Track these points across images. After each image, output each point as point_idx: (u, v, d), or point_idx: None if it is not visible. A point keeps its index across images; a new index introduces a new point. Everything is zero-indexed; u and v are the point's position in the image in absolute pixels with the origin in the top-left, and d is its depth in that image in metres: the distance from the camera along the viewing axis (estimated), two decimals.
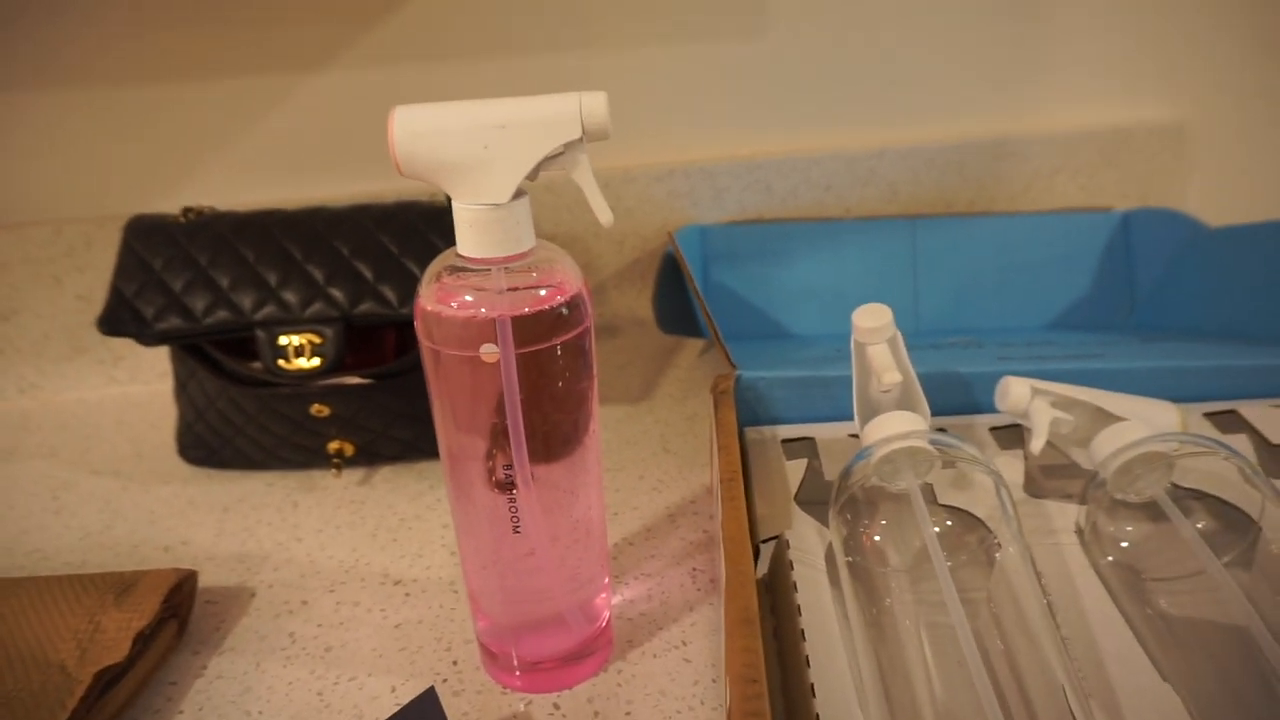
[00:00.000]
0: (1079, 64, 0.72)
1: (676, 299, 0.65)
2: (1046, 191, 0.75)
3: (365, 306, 0.51)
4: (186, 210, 0.54)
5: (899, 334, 0.39)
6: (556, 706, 0.38)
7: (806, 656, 0.31)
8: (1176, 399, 0.42)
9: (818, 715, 0.28)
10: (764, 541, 0.38)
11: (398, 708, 0.35)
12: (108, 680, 0.38)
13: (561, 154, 0.31)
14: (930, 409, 0.40)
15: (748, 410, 0.46)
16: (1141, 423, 0.37)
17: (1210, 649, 0.33)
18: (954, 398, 0.45)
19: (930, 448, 0.35)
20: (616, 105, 0.68)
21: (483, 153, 0.30)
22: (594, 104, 0.30)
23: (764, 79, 0.69)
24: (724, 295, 0.67)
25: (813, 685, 0.29)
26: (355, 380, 0.52)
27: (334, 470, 0.55)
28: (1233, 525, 0.35)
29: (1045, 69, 0.72)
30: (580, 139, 0.30)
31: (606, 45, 0.66)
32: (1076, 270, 0.68)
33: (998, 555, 0.35)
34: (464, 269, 0.32)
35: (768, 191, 0.71)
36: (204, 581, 0.47)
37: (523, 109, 0.30)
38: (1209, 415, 0.44)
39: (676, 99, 0.69)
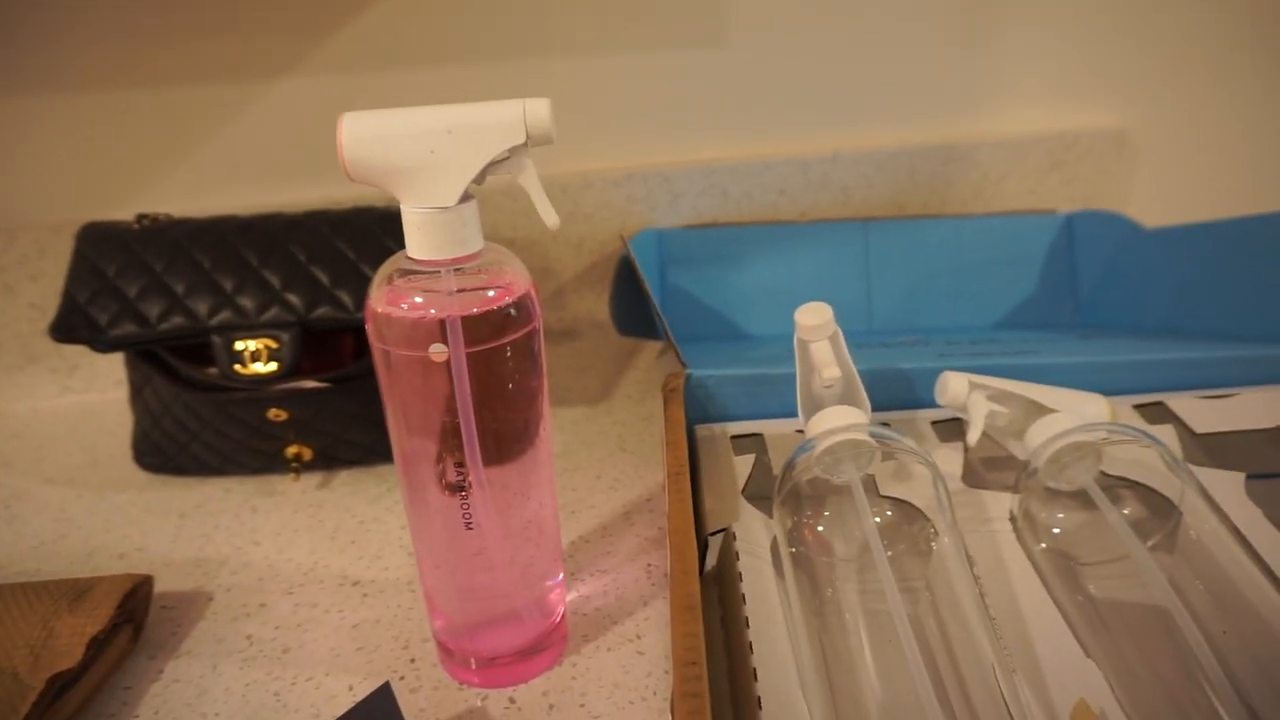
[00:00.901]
0: (1026, 71, 0.75)
1: (634, 302, 0.66)
2: (996, 196, 0.77)
3: (322, 311, 0.51)
4: (140, 217, 0.54)
5: (840, 331, 0.41)
6: (512, 700, 0.38)
7: (750, 643, 0.32)
8: (1108, 393, 0.44)
9: (759, 698, 0.29)
10: (712, 534, 0.39)
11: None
12: (61, 686, 0.38)
13: (507, 159, 0.32)
14: (873, 404, 0.41)
15: (698, 408, 0.47)
16: (1072, 414, 0.39)
17: (1133, 630, 0.34)
18: (896, 393, 0.47)
19: (870, 440, 0.37)
20: (574, 111, 0.69)
21: (429, 157, 0.31)
22: (537, 110, 0.31)
23: (719, 86, 0.71)
24: (681, 298, 0.69)
25: (755, 670, 0.30)
26: (312, 384, 0.52)
27: (292, 475, 0.55)
28: (1156, 511, 0.37)
29: (993, 76, 0.74)
30: (524, 144, 0.31)
31: (564, 52, 0.67)
32: (1022, 271, 0.70)
33: (934, 544, 0.36)
34: (414, 271, 0.33)
35: (723, 196, 0.72)
36: (160, 587, 0.47)
37: (468, 115, 0.31)
38: (1137, 407, 0.46)
39: (633, 105, 0.70)
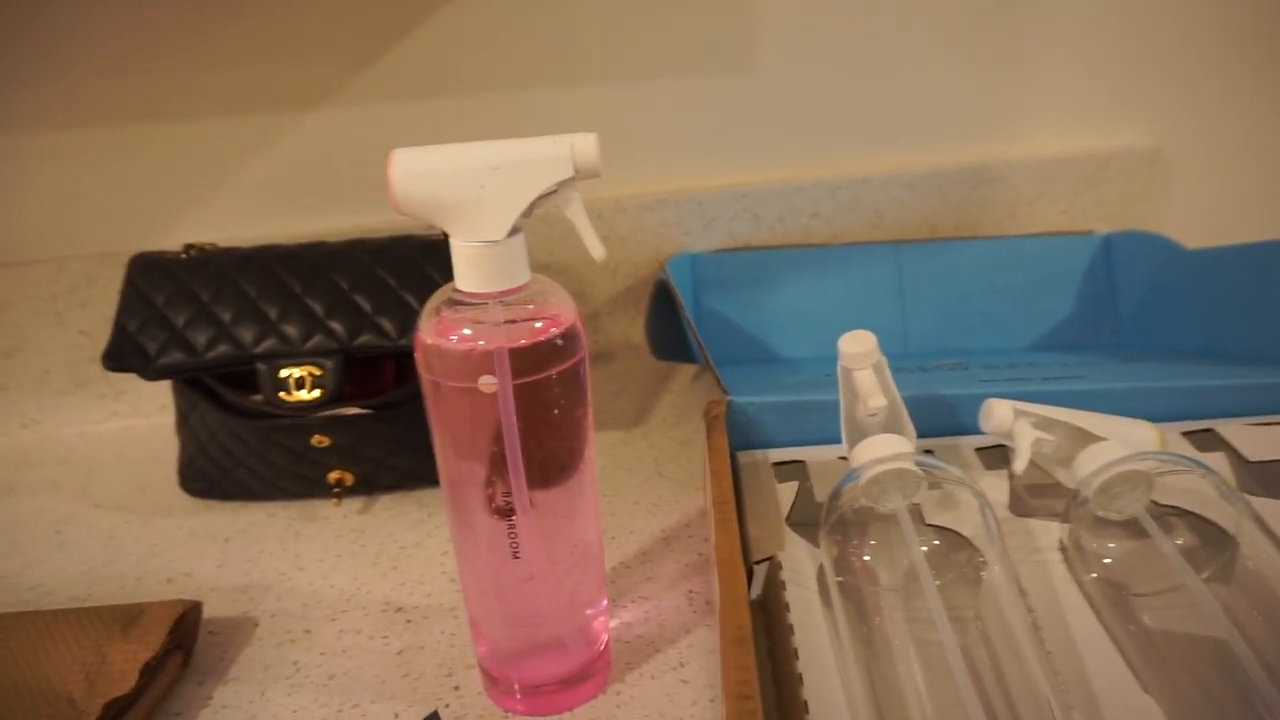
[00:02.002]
0: (1058, 92, 0.74)
1: (669, 326, 0.66)
2: (1028, 216, 0.77)
3: (364, 339, 0.52)
4: (188, 247, 0.55)
5: (884, 359, 0.41)
6: None
7: (800, 674, 0.31)
8: (1155, 418, 0.43)
9: None
10: (757, 563, 0.39)
11: None
12: (115, 712, 0.38)
13: (555, 192, 0.32)
14: (917, 431, 0.41)
15: (739, 434, 0.47)
16: (1120, 442, 0.39)
17: (1190, 662, 0.34)
18: (940, 420, 0.47)
19: (916, 469, 0.37)
20: (608, 138, 0.70)
21: (479, 192, 0.31)
22: (585, 145, 0.32)
23: (751, 111, 0.71)
24: (715, 321, 0.69)
25: (806, 702, 0.30)
26: (355, 411, 0.53)
27: (335, 500, 0.56)
28: (1211, 541, 0.36)
29: (1025, 96, 0.74)
30: (572, 178, 0.32)
31: (598, 80, 0.68)
32: (1060, 292, 0.70)
33: (984, 574, 0.36)
34: (462, 303, 0.33)
35: (755, 220, 0.73)
36: (208, 612, 0.47)
37: (517, 150, 0.32)
38: (1187, 434, 0.45)
39: (666, 131, 0.71)
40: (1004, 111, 0.74)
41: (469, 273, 0.33)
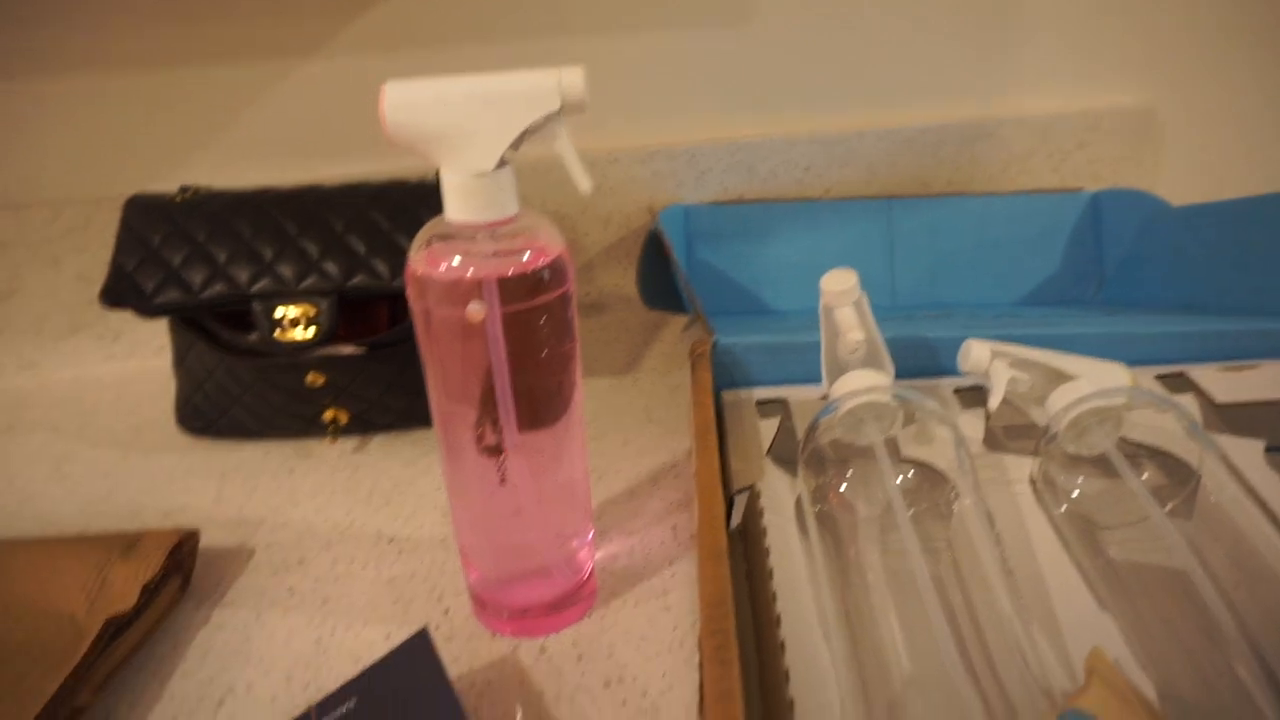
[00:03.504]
0: (1053, 49, 0.75)
1: (660, 276, 0.67)
2: (1021, 174, 0.77)
3: (358, 279, 0.53)
4: (183, 189, 0.55)
5: (865, 296, 0.42)
6: (543, 650, 0.40)
7: (774, 592, 0.33)
8: (1130, 363, 0.44)
9: (783, 642, 0.31)
10: (737, 493, 0.40)
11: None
12: (116, 629, 0.40)
13: (542, 126, 0.33)
14: (897, 372, 0.42)
15: (724, 374, 0.48)
16: (1093, 381, 0.40)
17: (1151, 591, 0.35)
18: (920, 361, 0.48)
19: (892, 401, 0.38)
20: (602, 90, 0.70)
21: (466, 124, 0.32)
22: (571, 78, 0.32)
23: (745, 63, 0.71)
24: (707, 273, 0.70)
25: (779, 616, 0.32)
26: (349, 350, 0.54)
27: (329, 438, 0.57)
28: (1175, 476, 0.37)
29: (1020, 54, 0.74)
30: (559, 111, 0.32)
31: (593, 31, 0.68)
32: (1047, 249, 0.70)
33: (955, 505, 0.37)
34: (452, 235, 0.34)
35: (749, 172, 0.73)
36: (204, 543, 0.49)
37: (505, 83, 0.32)
38: (1159, 377, 0.46)
39: (661, 83, 0.71)
40: (999, 69, 0.75)
41: (458, 203, 0.33)
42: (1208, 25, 0.75)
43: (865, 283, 0.43)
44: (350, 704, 0.35)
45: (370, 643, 0.41)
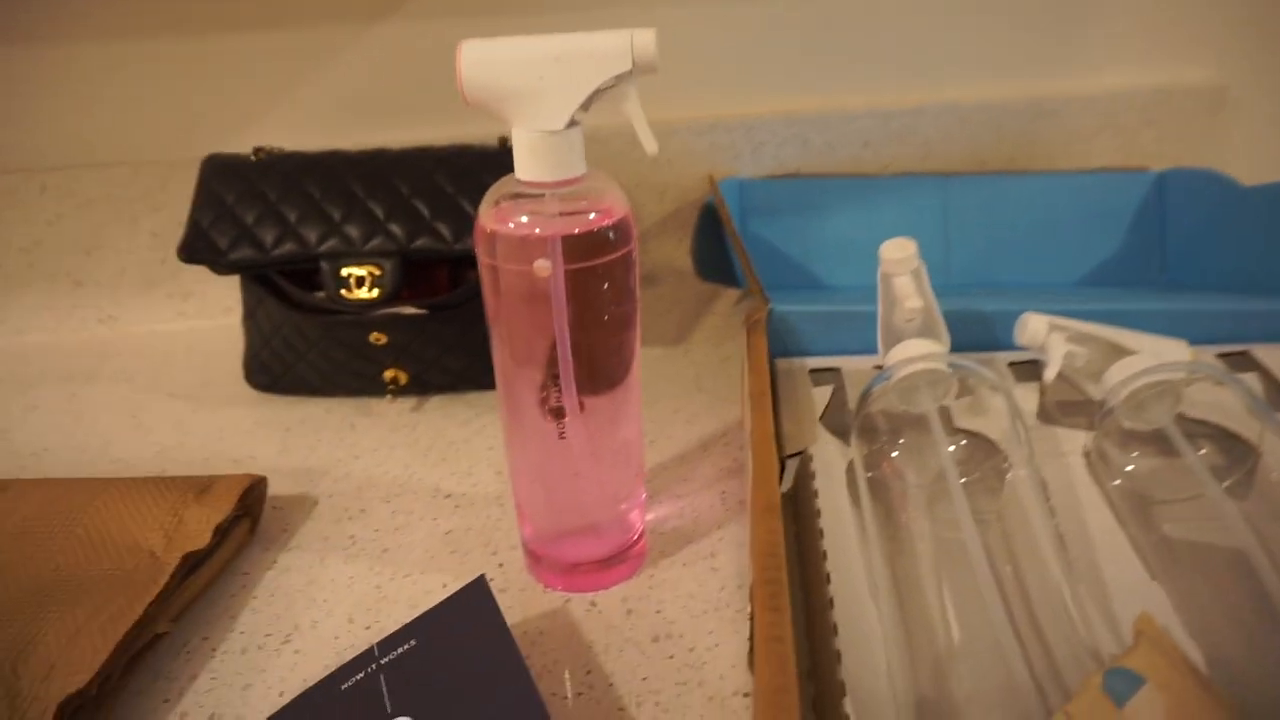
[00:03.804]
0: (1118, 24, 0.73)
1: (715, 248, 0.68)
2: (1085, 154, 0.76)
3: (422, 241, 0.54)
4: (258, 150, 0.57)
5: (923, 266, 0.42)
6: (593, 604, 0.41)
7: (824, 551, 0.34)
8: (1192, 342, 0.44)
9: (832, 599, 0.31)
10: (789, 457, 0.41)
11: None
12: (191, 565, 0.42)
13: (613, 86, 0.34)
14: (953, 345, 0.42)
15: (779, 342, 0.49)
16: (1152, 356, 0.39)
17: (1207, 567, 0.35)
18: (976, 335, 0.48)
19: (947, 369, 0.38)
20: (662, 60, 0.70)
21: (540, 83, 0.33)
22: (644, 39, 0.33)
23: (804, 36, 0.71)
24: (761, 247, 0.70)
25: (829, 574, 0.32)
26: (411, 310, 0.55)
27: (389, 397, 0.59)
28: (1234, 453, 0.37)
29: (1084, 29, 0.73)
30: (630, 72, 0.33)
31: (653, 2, 0.69)
32: (1109, 229, 0.69)
33: (1009, 476, 0.38)
34: (521, 194, 0.35)
35: (805, 146, 0.73)
36: (271, 492, 0.51)
37: (577, 43, 0.33)
38: (1222, 355, 0.46)
39: (718, 55, 0.71)
40: (1063, 45, 0.73)
41: (528, 161, 0.34)
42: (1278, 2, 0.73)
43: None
44: (410, 643, 0.37)
45: (428, 590, 0.43)
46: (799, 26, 0.71)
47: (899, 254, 0.41)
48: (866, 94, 0.73)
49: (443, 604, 0.38)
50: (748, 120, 0.72)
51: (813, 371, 0.47)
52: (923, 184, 0.70)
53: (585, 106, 0.34)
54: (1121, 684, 0.25)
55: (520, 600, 0.42)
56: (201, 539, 0.42)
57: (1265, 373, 0.44)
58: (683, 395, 0.59)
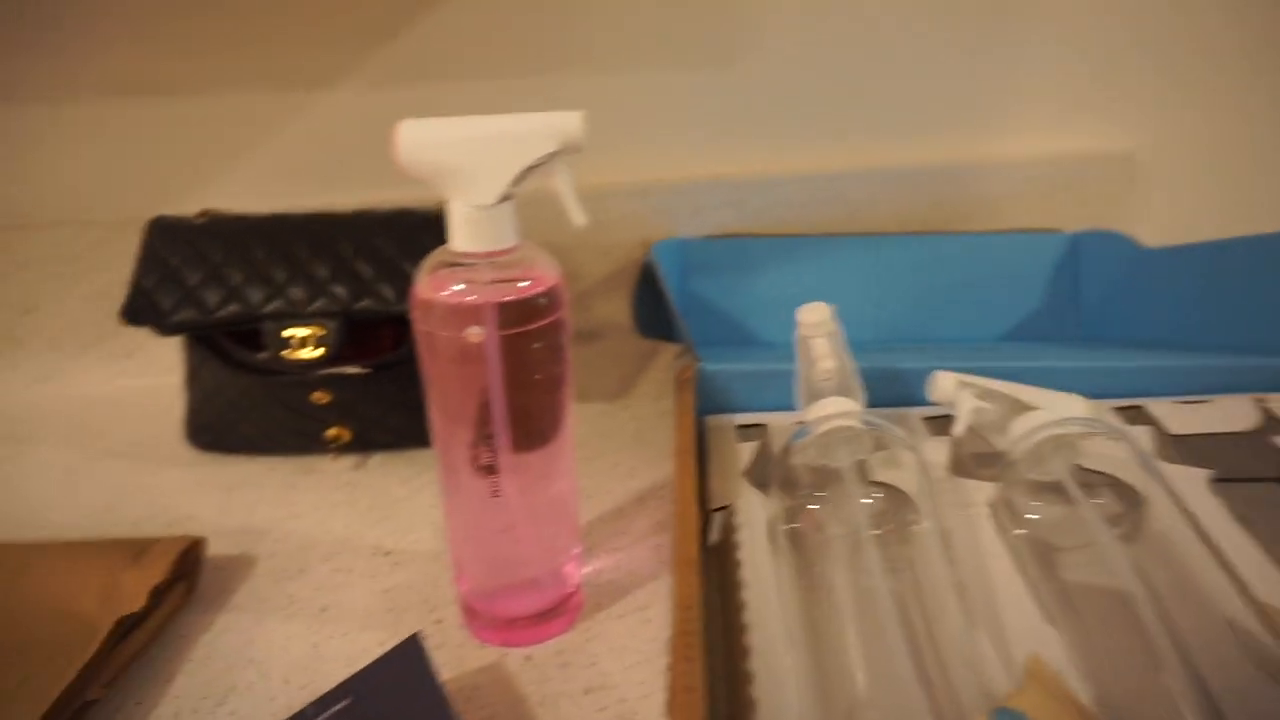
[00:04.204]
0: (1036, 93, 0.78)
1: (655, 306, 0.70)
2: (1003, 216, 0.80)
3: (364, 303, 0.56)
4: (203, 212, 0.58)
5: (839, 329, 0.44)
6: (529, 658, 0.42)
7: (743, 601, 0.35)
8: (1094, 396, 0.47)
9: (749, 647, 0.33)
10: (714, 510, 0.43)
11: None
12: (126, 628, 0.42)
13: (543, 164, 0.36)
14: (870, 401, 0.45)
15: (709, 400, 0.51)
16: (1052, 412, 0.42)
17: (1097, 609, 0.37)
18: (894, 391, 0.50)
19: (861, 426, 0.40)
20: (600, 126, 0.73)
21: (473, 161, 0.35)
22: (571, 122, 0.35)
23: (735, 104, 0.75)
24: (700, 304, 0.72)
25: (746, 624, 0.34)
26: (354, 370, 0.57)
27: (332, 455, 0.59)
28: (1126, 502, 0.40)
29: (1003, 98, 0.78)
30: (557, 151, 0.35)
31: (592, 70, 0.72)
32: (1027, 288, 0.73)
33: (916, 527, 0.40)
34: (456, 263, 0.37)
35: (739, 209, 0.76)
36: (210, 551, 0.51)
37: (510, 124, 0.35)
38: (1117, 409, 0.49)
39: (656, 121, 0.74)
40: (982, 111, 0.78)
41: (463, 233, 0.36)
42: (1189, 71, 0.79)
43: (850, 316, 0.45)
44: (345, 702, 0.37)
45: (365, 648, 0.43)
46: (732, 96, 0.74)
47: (814, 317, 0.43)
48: (792, 159, 0.77)
49: (377, 661, 0.39)
50: (686, 183, 0.75)
51: (740, 427, 0.49)
52: (853, 244, 0.73)
53: (517, 182, 0.36)
54: None
55: (456, 655, 0.43)
56: (137, 602, 0.42)
57: (1156, 425, 0.47)
58: (622, 449, 0.60)
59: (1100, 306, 0.71)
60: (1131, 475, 0.40)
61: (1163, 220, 0.83)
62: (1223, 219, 0.85)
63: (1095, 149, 0.79)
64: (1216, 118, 0.81)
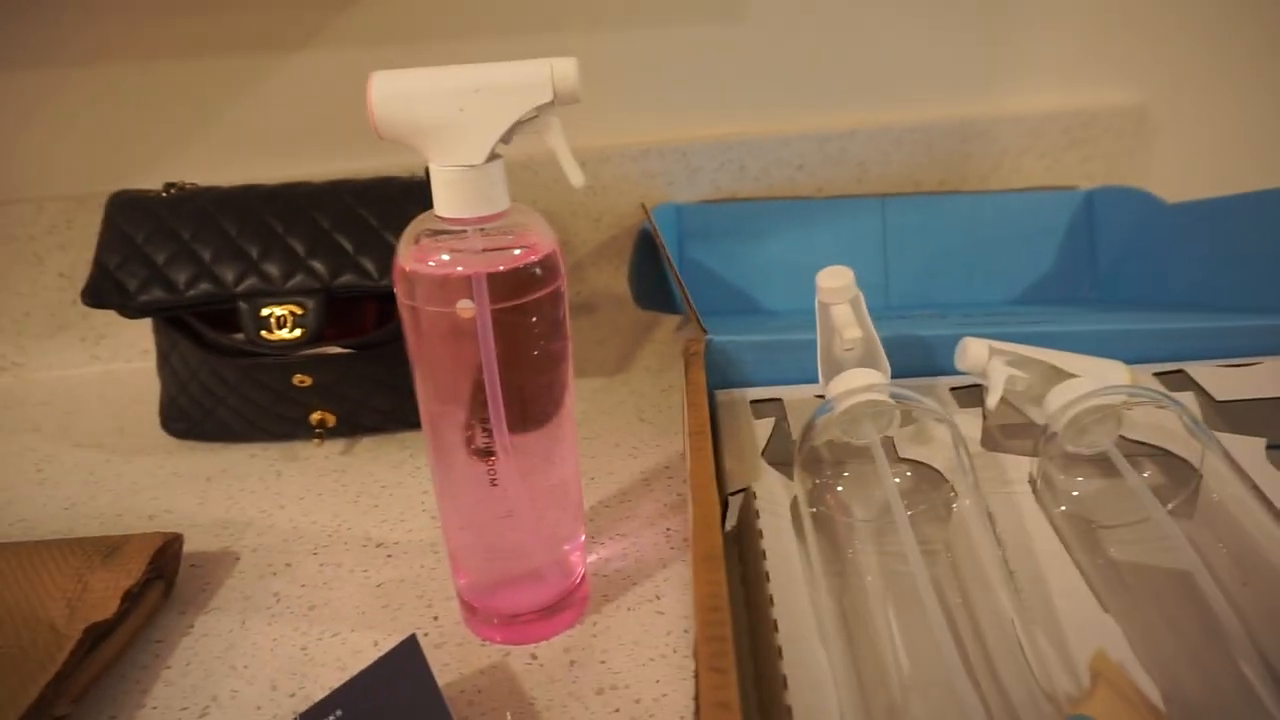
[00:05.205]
0: (1045, 48, 0.74)
1: (653, 276, 0.66)
2: (1013, 172, 0.77)
3: (346, 278, 0.52)
4: (168, 185, 0.54)
5: (861, 294, 0.41)
6: (534, 657, 0.39)
7: (770, 595, 0.32)
8: (1128, 361, 0.44)
9: (780, 648, 0.30)
10: (732, 494, 0.40)
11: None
12: (96, 636, 0.39)
13: (534, 117, 0.32)
14: (893, 371, 0.42)
15: (718, 373, 0.48)
16: (1092, 379, 0.39)
17: (1154, 591, 0.35)
18: (916, 360, 0.47)
19: (890, 401, 0.37)
20: (594, 87, 0.69)
21: (458, 115, 0.31)
22: (565, 69, 0.31)
23: (737, 61, 0.71)
24: (699, 272, 0.69)
25: (776, 621, 0.31)
26: (336, 350, 0.53)
27: (316, 440, 0.56)
28: (1176, 475, 0.37)
29: (1013, 52, 0.74)
30: (551, 102, 0.32)
31: (584, 26, 0.68)
32: (1041, 247, 0.70)
33: (955, 506, 0.37)
34: (441, 230, 0.33)
35: (741, 171, 0.73)
36: (189, 547, 0.48)
37: (496, 73, 0.31)
38: (1158, 375, 0.46)
39: (652, 80, 0.70)
40: (992, 67, 0.74)
41: (448, 197, 0.33)
42: (1201, 23, 0.75)
43: (859, 282, 0.42)
44: (336, 714, 0.34)
45: (358, 650, 0.40)
46: (731, 51, 0.70)
47: (835, 283, 0.40)
48: (800, 117, 0.73)
49: (370, 668, 0.36)
50: (683, 145, 0.71)
51: (754, 403, 0.46)
52: (860, 205, 0.70)
53: (506, 139, 0.32)
54: None
55: (456, 655, 0.40)
56: (108, 608, 0.39)
57: (1201, 390, 0.44)
58: (623, 428, 0.57)
59: (1117, 266, 0.68)
60: (1182, 446, 0.37)
61: (1175, 176, 0.80)
62: (1237, 173, 0.82)
63: (1105, 103, 0.76)
64: (1229, 70, 0.77)
